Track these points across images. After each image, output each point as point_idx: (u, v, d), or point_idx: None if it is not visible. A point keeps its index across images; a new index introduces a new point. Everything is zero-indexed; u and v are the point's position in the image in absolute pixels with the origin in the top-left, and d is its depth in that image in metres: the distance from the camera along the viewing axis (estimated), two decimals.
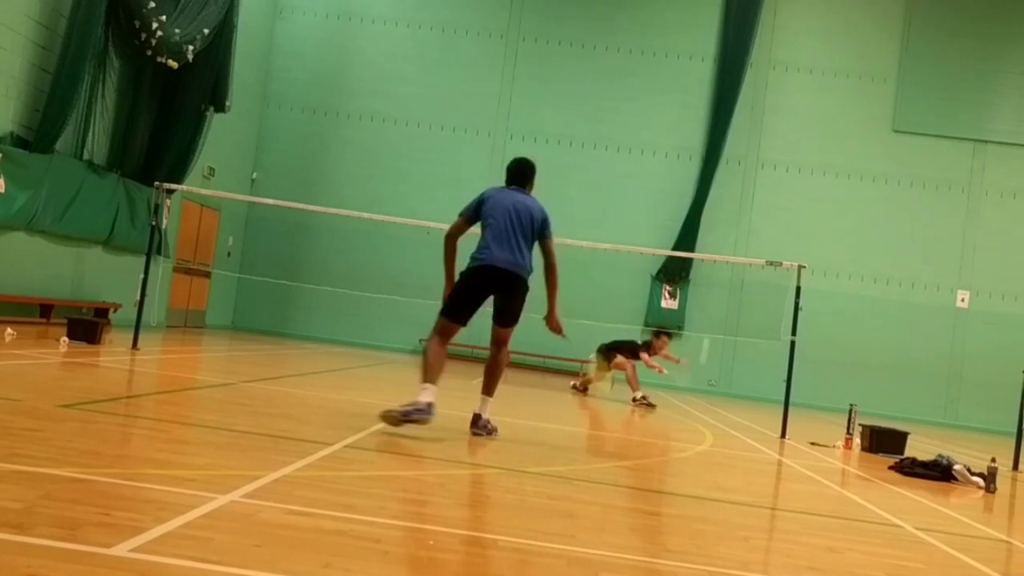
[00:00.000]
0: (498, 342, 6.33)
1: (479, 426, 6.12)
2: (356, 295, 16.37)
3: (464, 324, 6.16)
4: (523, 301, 6.24)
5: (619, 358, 12.69)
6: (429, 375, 5.80)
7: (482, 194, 6.35)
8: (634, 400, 11.97)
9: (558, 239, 6.42)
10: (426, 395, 5.66)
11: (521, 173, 6.54)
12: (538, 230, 6.31)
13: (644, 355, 12.70)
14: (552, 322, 6.54)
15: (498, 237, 6.10)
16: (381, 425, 5.77)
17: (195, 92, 14.78)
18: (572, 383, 13.49)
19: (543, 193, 6.15)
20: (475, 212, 6.29)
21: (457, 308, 6.14)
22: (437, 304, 6.37)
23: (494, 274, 6.08)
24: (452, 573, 2.67)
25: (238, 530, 2.83)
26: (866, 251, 18.89)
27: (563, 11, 19.56)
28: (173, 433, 4.79)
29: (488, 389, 6.26)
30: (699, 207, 18.76)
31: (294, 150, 19.43)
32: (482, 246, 6.15)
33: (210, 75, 15.09)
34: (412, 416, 5.59)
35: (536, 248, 6.37)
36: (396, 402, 5.87)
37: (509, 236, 6.12)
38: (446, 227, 6.54)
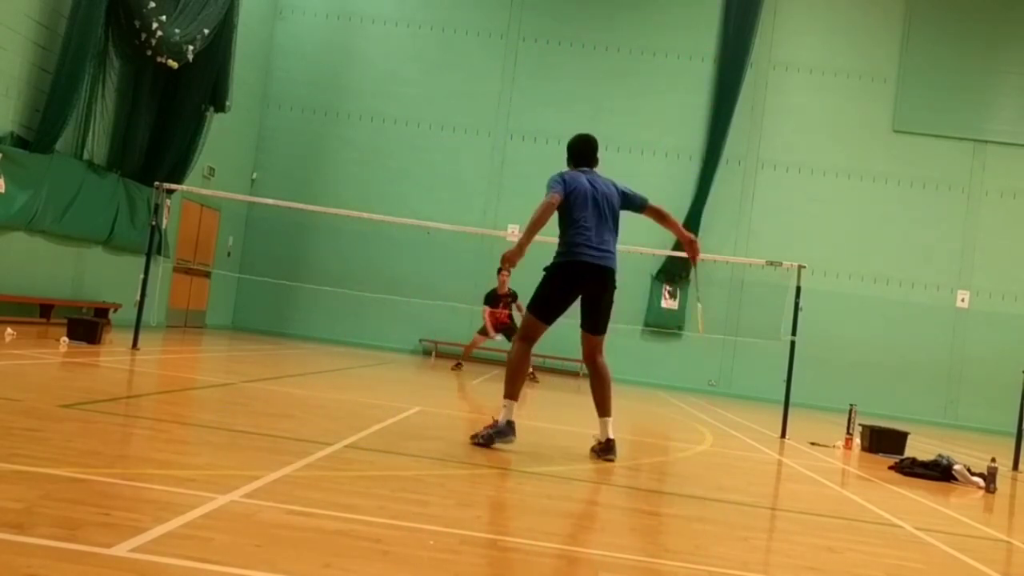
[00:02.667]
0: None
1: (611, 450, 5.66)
2: (356, 295, 16.37)
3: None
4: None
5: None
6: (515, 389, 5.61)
7: (563, 175, 5.86)
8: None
9: (558, 238, 6.17)
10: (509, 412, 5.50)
11: (592, 151, 6.09)
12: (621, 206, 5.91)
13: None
14: None
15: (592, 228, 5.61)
16: (381, 425, 5.77)
17: (195, 92, 14.78)
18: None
19: (543, 193, 5.99)
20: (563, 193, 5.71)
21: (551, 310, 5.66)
22: (438, 304, 6.28)
23: (594, 272, 5.59)
24: (452, 573, 2.67)
25: (238, 530, 2.83)
26: (866, 251, 18.88)
27: (563, 11, 19.56)
28: (173, 433, 4.79)
29: (605, 409, 5.79)
30: (699, 207, 18.76)
31: (294, 150, 19.43)
32: (577, 239, 5.61)
33: (210, 75, 15.09)
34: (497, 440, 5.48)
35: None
36: (397, 401, 5.86)
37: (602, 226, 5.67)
38: (446, 227, 6.51)
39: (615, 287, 5.76)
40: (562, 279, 5.66)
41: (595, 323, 5.76)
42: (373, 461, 4.75)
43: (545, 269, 5.74)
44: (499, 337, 13.58)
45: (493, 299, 13.67)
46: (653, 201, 6.22)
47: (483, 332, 13.66)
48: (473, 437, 5.60)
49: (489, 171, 19.38)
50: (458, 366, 13.89)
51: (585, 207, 5.70)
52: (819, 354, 16.61)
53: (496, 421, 5.56)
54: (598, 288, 5.67)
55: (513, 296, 13.59)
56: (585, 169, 6.00)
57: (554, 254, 5.76)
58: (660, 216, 6.19)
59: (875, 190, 19.04)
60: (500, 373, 15.31)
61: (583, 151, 6.08)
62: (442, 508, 3.57)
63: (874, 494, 5.89)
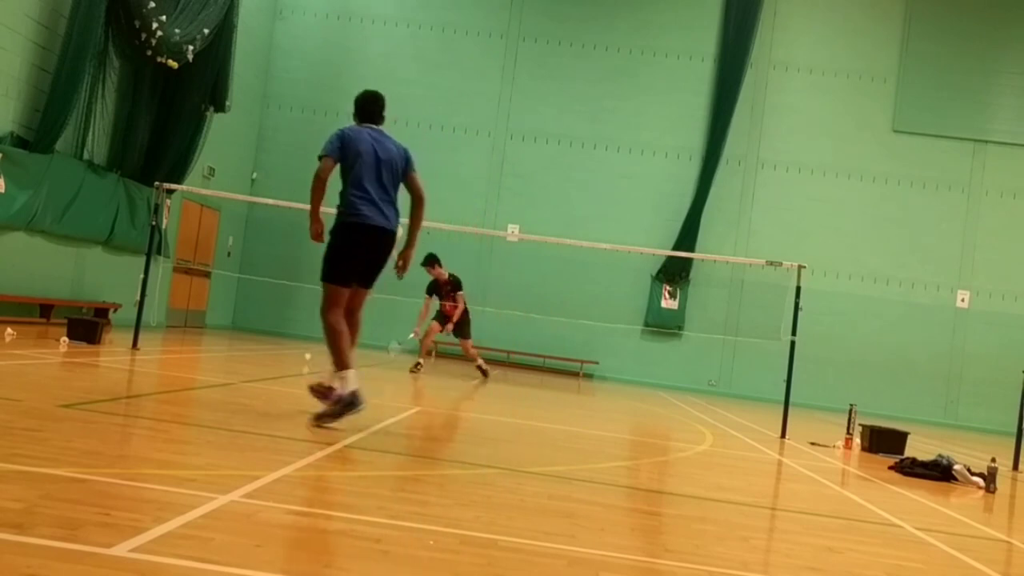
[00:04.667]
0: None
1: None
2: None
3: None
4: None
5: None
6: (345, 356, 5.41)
7: (342, 133, 5.74)
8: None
9: (558, 238, 6.22)
10: (351, 382, 5.35)
11: (379, 107, 5.95)
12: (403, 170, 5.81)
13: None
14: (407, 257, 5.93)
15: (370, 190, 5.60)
16: (381, 425, 5.77)
17: (195, 92, 14.78)
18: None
19: (543, 193, 5.99)
20: (338, 154, 5.68)
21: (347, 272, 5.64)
22: (437, 304, 6.25)
23: (372, 233, 5.60)
24: (452, 573, 2.67)
25: (238, 530, 2.83)
26: (866, 251, 18.88)
27: (563, 11, 19.56)
28: (173, 433, 4.79)
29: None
30: (699, 207, 18.76)
31: (294, 150, 19.40)
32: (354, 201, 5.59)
33: (210, 75, 15.08)
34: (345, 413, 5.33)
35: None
36: (397, 401, 5.86)
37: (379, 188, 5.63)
38: (446, 227, 6.50)
39: (392, 247, 5.77)
40: (344, 241, 5.63)
41: (370, 279, 5.76)
42: (373, 461, 4.75)
43: (331, 232, 5.70)
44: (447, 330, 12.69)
45: (435, 288, 12.64)
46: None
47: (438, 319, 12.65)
48: (318, 419, 5.38)
49: (489, 171, 19.38)
50: (417, 367, 12.40)
51: (365, 166, 5.64)
52: (819, 354, 16.62)
53: (340, 397, 5.39)
54: (380, 249, 5.67)
55: (455, 286, 12.57)
56: (370, 126, 5.86)
57: (336, 213, 5.71)
58: (415, 200, 5.95)
59: (875, 190, 19.04)
60: (501, 374, 15.36)
61: (368, 108, 5.92)
62: (442, 508, 3.57)
63: (874, 494, 5.89)
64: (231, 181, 17.50)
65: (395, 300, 11.76)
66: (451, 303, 12.62)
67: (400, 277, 5.92)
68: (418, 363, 12.49)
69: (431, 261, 12.18)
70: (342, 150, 5.71)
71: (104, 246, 13.49)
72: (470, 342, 12.97)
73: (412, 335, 12.73)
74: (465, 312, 12.72)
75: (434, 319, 12.83)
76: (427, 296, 12.61)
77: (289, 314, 19.03)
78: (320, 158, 5.69)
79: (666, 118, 19.26)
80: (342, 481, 4.03)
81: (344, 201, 5.72)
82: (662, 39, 19.33)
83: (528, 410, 9.24)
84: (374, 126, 5.91)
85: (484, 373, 12.90)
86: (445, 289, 12.59)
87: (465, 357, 13.48)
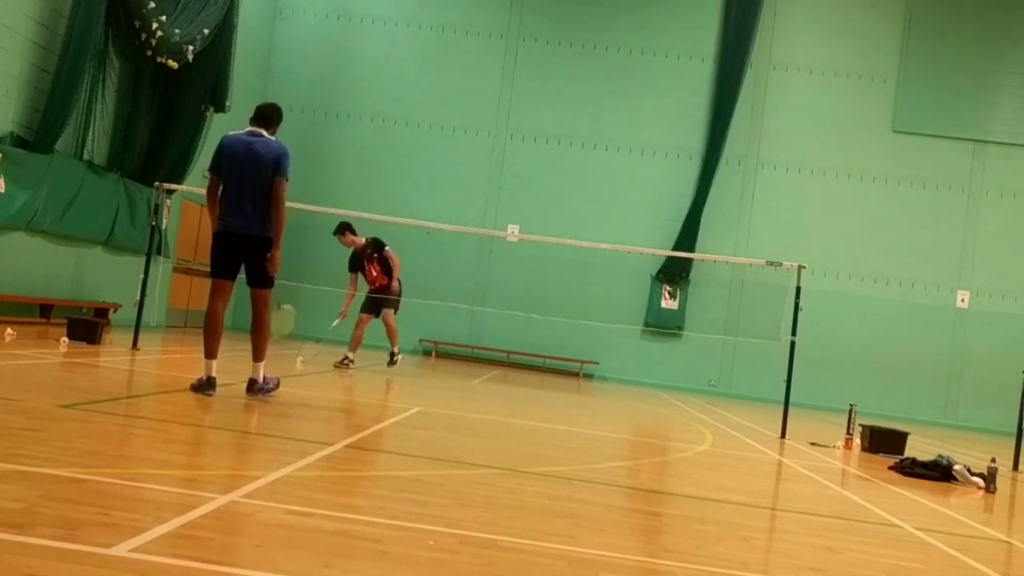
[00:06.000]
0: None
1: (255, 390, 6.39)
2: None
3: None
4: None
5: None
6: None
7: (221, 142, 6.38)
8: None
9: (558, 239, 6.28)
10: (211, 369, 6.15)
11: (263, 116, 6.52)
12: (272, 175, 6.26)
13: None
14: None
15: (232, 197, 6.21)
16: (381, 425, 5.77)
17: (195, 92, 14.78)
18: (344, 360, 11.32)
19: (543, 193, 6.02)
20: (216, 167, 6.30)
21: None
22: (438, 304, 6.39)
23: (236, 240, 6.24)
24: (452, 573, 2.67)
25: (238, 530, 2.83)
26: (866, 251, 18.88)
27: (563, 11, 19.56)
28: (173, 433, 4.79)
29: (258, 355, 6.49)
30: (699, 207, 18.76)
31: (294, 150, 19.38)
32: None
33: (210, 75, 15.08)
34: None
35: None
36: (397, 401, 5.87)
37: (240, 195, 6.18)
38: (446, 227, 6.56)
39: (267, 248, 6.29)
40: (216, 246, 6.33)
41: (250, 279, 6.41)
42: (373, 461, 4.75)
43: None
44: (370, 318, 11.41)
45: (356, 261, 11.44)
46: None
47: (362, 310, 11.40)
48: (192, 387, 6.16)
49: (489, 171, 19.38)
50: (346, 362, 11.16)
51: (228, 175, 6.20)
52: (819, 354, 16.60)
53: (202, 377, 6.16)
54: (244, 252, 6.26)
55: (376, 247, 11.31)
56: (252, 130, 6.39)
57: None
58: (274, 203, 6.32)
59: (875, 190, 19.04)
60: (501, 373, 15.37)
61: (256, 114, 6.52)
62: (442, 508, 3.57)
63: (874, 494, 5.89)
64: None
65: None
66: (377, 268, 11.29)
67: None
68: (346, 357, 11.17)
69: (342, 229, 11.08)
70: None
71: (104, 246, 13.49)
72: (393, 314, 11.42)
73: (336, 321, 11.30)
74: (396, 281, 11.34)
75: (363, 310, 11.40)
76: (351, 274, 11.43)
77: None
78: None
79: (666, 118, 19.26)
80: (342, 481, 4.03)
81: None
82: (662, 39, 19.32)
83: (528, 410, 9.24)
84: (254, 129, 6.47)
85: (394, 358, 11.73)
86: (367, 254, 11.26)
87: (392, 336, 11.71)
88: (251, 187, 6.15)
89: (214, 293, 6.36)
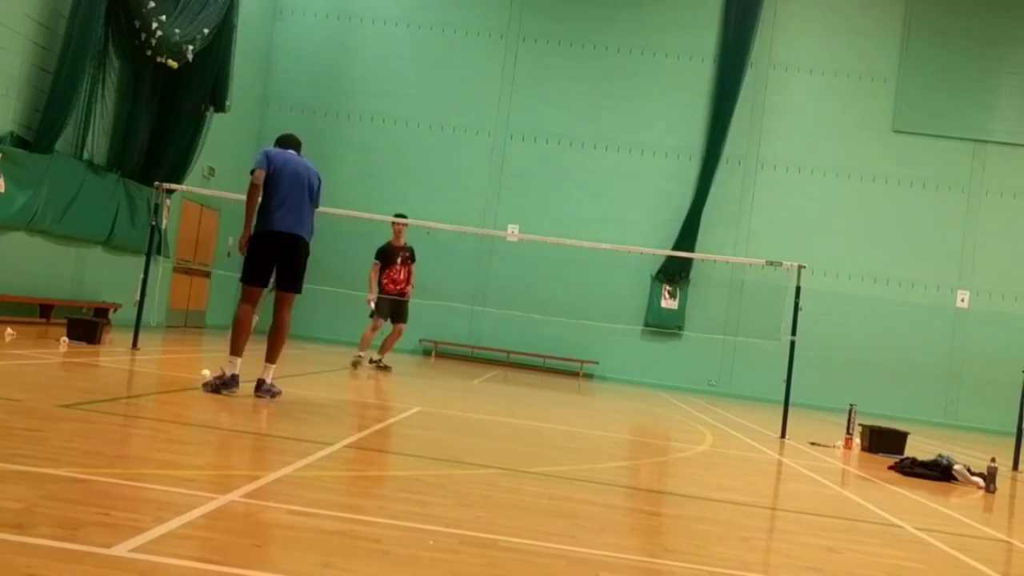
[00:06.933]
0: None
1: (263, 390, 6.52)
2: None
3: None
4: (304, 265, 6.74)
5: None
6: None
7: (267, 152, 6.67)
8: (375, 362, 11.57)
9: (558, 239, 6.34)
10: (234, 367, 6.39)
11: (294, 143, 7.00)
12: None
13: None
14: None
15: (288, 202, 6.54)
16: (381, 425, 5.77)
17: (195, 92, 14.77)
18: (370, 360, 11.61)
19: (543, 193, 6.06)
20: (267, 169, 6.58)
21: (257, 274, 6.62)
22: (438, 304, 6.44)
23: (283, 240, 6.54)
24: (452, 573, 2.67)
25: (238, 530, 2.83)
26: (866, 251, 18.88)
27: (563, 11, 19.56)
28: (173, 433, 4.78)
29: (272, 356, 6.72)
30: (699, 207, 18.77)
31: None
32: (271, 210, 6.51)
33: (210, 75, 15.07)
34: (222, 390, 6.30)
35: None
36: (397, 401, 5.86)
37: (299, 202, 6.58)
38: (447, 227, 6.59)
39: (307, 253, 6.77)
40: (260, 247, 6.55)
41: (288, 282, 6.70)
42: (373, 461, 4.75)
43: (250, 239, 6.60)
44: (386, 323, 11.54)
45: (387, 253, 11.59)
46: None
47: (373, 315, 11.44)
48: (204, 385, 6.43)
49: (489, 171, 19.38)
50: (361, 362, 11.31)
51: (285, 180, 6.56)
52: (819, 354, 16.61)
53: (223, 373, 6.41)
54: (289, 253, 6.60)
55: (410, 252, 11.60)
56: (290, 151, 6.86)
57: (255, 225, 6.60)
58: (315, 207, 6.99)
59: (875, 190, 19.04)
60: (501, 373, 15.36)
61: (286, 141, 6.98)
62: (442, 508, 3.57)
63: (874, 494, 5.89)
64: (231, 181, 17.47)
65: (394, 300, 11.78)
66: (407, 272, 11.50)
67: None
68: (372, 359, 11.57)
69: (403, 215, 11.73)
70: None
71: (104, 246, 13.49)
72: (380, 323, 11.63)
73: (368, 302, 11.42)
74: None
75: (381, 314, 11.44)
76: (375, 261, 11.55)
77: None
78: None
79: (666, 118, 19.26)
80: (342, 481, 4.03)
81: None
82: (662, 39, 19.33)
83: (528, 410, 9.24)
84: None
85: (382, 364, 11.73)
86: (404, 255, 11.53)
87: (391, 342, 11.84)
88: (301, 195, 6.59)
89: (249, 297, 6.60)
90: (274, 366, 6.64)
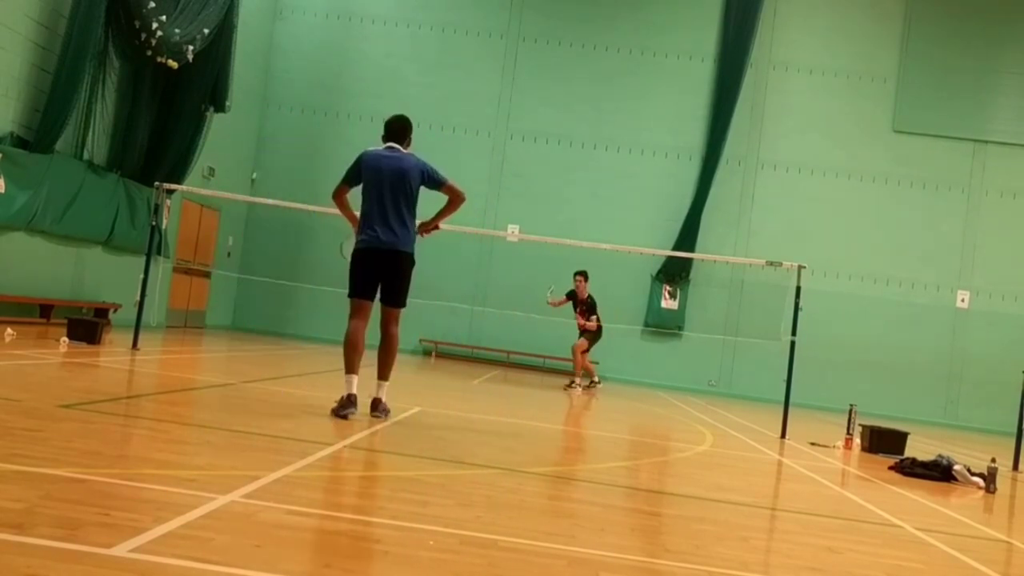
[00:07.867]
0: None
1: (379, 409, 6.21)
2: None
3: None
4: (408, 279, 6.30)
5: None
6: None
7: (360, 157, 6.32)
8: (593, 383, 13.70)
9: (558, 238, 6.32)
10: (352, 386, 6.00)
11: (395, 129, 6.48)
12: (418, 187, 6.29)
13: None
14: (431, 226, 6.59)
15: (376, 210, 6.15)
16: (381, 425, 5.77)
17: (195, 92, 14.77)
18: (577, 384, 13.36)
19: (543, 193, 6.05)
20: (356, 176, 6.28)
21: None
22: (438, 304, 6.42)
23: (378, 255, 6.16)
24: (452, 573, 2.67)
25: (238, 530, 2.83)
26: (866, 251, 18.88)
27: (563, 11, 19.55)
28: (173, 433, 4.79)
29: (384, 374, 6.37)
30: (699, 207, 18.76)
31: (294, 150, 19.41)
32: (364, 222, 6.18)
33: (210, 75, 15.07)
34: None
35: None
36: (397, 401, 5.87)
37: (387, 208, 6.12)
38: (446, 227, 6.57)
39: (412, 264, 6.28)
40: (355, 263, 6.23)
41: (386, 297, 6.25)
42: (373, 461, 4.75)
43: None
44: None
45: (574, 301, 13.65)
46: (451, 184, 6.48)
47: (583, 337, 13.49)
48: (332, 412, 6.00)
49: (489, 171, 19.37)
50: (573, 385, 13.24)
51: (370, 191, 6.16)
52: (819, 354, 16.60)
53: (343, 397, 6.02)
54: (384, 269, 6.17)
55: (591, 305, 13.47)
56: (391, 146, 6.35)
57: None
58: (450, 195, 6.45)
59: (875, 190, 19.03)
60: (501, 373, 15.36)
61: (388, 129, 6.48)
62: (442, 508, 3.57)
63: (874, 494, 5.89)
64: (231, 181, 17.50)
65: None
66: (584, 319, 13.39)
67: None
68: (580, 382, 13.26)
69: (584, 273, 13.42)
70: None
71: (104, 246, 13.49)
72: (584, 348, 13.48)
73: (549, 293, 13.57)
74: (599, 330, 13.50)
75: (581, 336, 13.51)
76: (565, 297, 13.53)
77: (289, 314, 19.04)
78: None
79: (666, 118, 19.26)
80: (342, 481, 4.03)
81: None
82: (662, 39, 19.32)
83: (528, 410, 9.24)
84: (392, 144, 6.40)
85: (576, 384, 13.26)
86: (582, 306, 13.46)
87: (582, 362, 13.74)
88: (396, 201, 6.14)
89: (357, 313, 6.20)
90: (387, 383, 6.32)
